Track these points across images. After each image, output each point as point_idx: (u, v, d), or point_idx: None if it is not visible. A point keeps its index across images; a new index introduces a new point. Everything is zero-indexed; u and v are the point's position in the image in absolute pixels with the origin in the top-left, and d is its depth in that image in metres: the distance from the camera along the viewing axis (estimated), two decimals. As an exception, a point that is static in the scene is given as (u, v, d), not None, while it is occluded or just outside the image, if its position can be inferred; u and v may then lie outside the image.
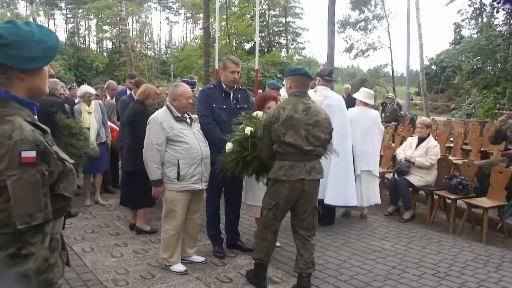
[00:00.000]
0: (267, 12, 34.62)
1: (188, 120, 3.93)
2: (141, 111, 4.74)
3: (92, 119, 5.98)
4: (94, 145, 5.84)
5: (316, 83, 5.45)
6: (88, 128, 5.84)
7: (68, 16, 50.63)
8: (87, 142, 5.60)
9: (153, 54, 45.17)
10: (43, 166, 1.43)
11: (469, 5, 22.29)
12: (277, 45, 36.81)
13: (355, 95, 6.15)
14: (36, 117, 1.55)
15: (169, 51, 51.15)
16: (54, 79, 6.65)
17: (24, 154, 1.38)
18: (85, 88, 6.33)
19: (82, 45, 46.25)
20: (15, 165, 1.36)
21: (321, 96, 5.10)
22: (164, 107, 3.98)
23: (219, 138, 4.13)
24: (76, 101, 6.47)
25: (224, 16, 27.11)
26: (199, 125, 4.16)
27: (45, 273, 1.44)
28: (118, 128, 6.24)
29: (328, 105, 5.01)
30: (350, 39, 34.63)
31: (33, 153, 1.39)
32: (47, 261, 1.45)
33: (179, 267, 3.89)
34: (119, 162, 6.70)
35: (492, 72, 12.50)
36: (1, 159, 1.36)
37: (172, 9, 59.66)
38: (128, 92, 6.96)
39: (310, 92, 5.12)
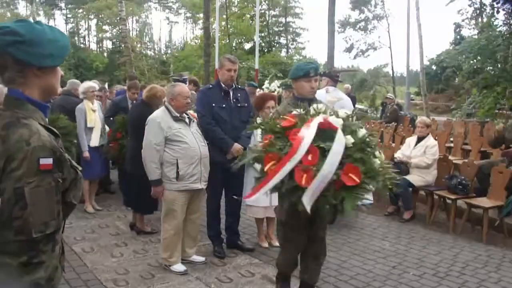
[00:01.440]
0: (267, 12, 34.62)
1: (187, 120, 3.93)
2: (147, 113, 4.37)
3: (97, 118, 5.65)
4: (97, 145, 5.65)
5: (324, 84, 5.46)
6: (91, 128, 5.59)
7: (68, 16, 50.60)
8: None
9: (153, 54, 45.16)
10: (58, 174, 1.41)
11: (469, 5, 22.30)
12: (277, 45, 36.81)
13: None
14: (47, 120, 1.53)
15: (169, 51, 51.14)
16: (75, 80, 6.62)
17: (42, 161, 1.35)
18: (88, 83, 5.95)
19: (82, 45, 46.24)
20: (33, 172, 1.34)
21: (334, 97, 5.19)
22: (163, 107, 3.98)
23: (219, 138, 4.14)
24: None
25: (224, 16, 27.11)
26: (196, 123, 4.13)
27: (53, 281, 1.43)
28: None
29: (341, 106, 5.05)
30: (350, 39, 34.62)
31: (50, 160, 1.37)
32: (58, 269, 1.44)
33: (179, 267, 3.89)
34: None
35: (492, 72, 12.51)
36: (19, 165, 1.33)
37: (172, 9, 59.62)
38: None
39: (322, 91, 5.25)
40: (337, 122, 2.48)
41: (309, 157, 2.34)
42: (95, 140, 5.65)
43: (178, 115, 3.87)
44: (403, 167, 5.83)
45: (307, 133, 2.39)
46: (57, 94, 1.64)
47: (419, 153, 5.85)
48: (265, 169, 2.44)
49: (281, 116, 2.71)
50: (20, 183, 1.33)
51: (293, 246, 3.18)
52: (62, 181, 1.44)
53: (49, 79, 1.50)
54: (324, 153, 2.35)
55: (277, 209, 3.25)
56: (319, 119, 2.49)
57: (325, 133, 2.43)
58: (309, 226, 3.06)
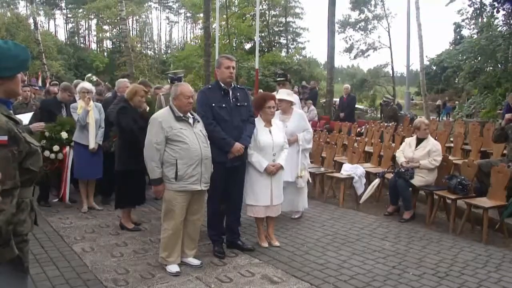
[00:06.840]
0: (267, 12, 34.59)
1: (190, 120, 3.92)
2: (123, 108, 4.93)
3: (90, 119, 5.63)
4: (95, 147, 5.63)
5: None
6: (85, 128, 5.61)
7: (68, 16, 50.70)
8: None
9: (153, 54, 45.19)
10: (14, 147, 1.87)
11: (469, 5, 22.26)
12: (277, 45, 36.78)
13: (282, 97, 5.38)
14: (11, 111, 2.02)
15: (169, 51, 51.16)
16: (126, 79, 6.88)
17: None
18: (82, 83, 6.02)
19: (82, 45, 46.31)
20: None
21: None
22: (167, 107, 4.01)
23: (221, 138, 4.14)
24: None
25: (224, 16, 27.09)
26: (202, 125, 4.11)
27: (12, 225, 1.87)
28: None
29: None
30: (350, 39, 34.44)
31: (5, 137, 1.84)
32: (15, 216, 1.89)
33: (172, 267, 3.87)
34: None
35: (493, 74, 12.49)
36: None
37: (172, 9, 59.70)
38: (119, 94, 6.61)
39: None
40: None
41: None
42: (91, 141, 5.66)
43: (181, 115, 3.87)
44: (410, 173, 5.77)
45: None
46: (19, 95, 2.29)
47: (422, 154, 5.82)
48: None
49: None
50: None
51: None
52: (19, 153, 1.90)
53: (10, 85, 2.00)
54: None
55: None
56: None
57: None
58: None
